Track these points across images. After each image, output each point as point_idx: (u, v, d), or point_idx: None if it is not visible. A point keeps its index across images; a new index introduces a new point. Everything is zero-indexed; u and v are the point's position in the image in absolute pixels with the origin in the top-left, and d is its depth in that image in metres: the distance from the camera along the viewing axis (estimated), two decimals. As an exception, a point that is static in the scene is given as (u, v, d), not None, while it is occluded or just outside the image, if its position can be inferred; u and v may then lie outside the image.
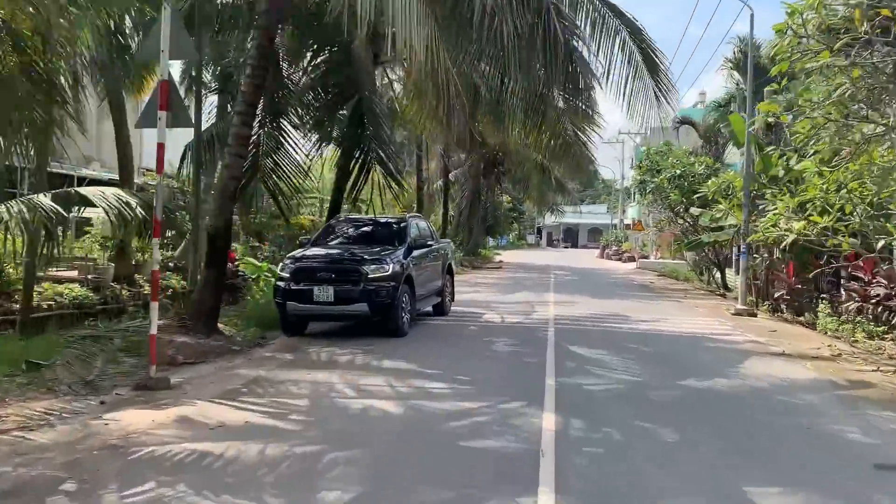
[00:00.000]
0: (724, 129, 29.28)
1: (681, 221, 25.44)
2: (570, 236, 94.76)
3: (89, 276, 12.35)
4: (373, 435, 5.98)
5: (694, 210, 20.49)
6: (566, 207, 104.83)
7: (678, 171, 22.42)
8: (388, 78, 20.23)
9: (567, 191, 42.46)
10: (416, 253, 12.18)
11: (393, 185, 15.57)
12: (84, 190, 8.37)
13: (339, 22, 9.62)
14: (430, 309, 13.48)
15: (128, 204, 7.82)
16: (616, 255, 50.74)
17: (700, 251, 24.04)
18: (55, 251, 7.90)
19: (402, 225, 12.72)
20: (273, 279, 12.67)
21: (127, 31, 12.49)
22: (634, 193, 69.98)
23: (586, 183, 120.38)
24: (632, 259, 46.73)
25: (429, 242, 13.44)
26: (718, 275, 22.76)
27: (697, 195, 21.82)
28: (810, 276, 14.41)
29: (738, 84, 28.11)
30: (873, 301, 11.93)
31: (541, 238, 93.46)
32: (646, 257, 43.63)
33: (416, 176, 27.14)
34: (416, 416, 6.72)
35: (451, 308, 14.51)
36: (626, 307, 16.83)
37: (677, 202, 22.97)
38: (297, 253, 11.99)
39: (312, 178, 17.83)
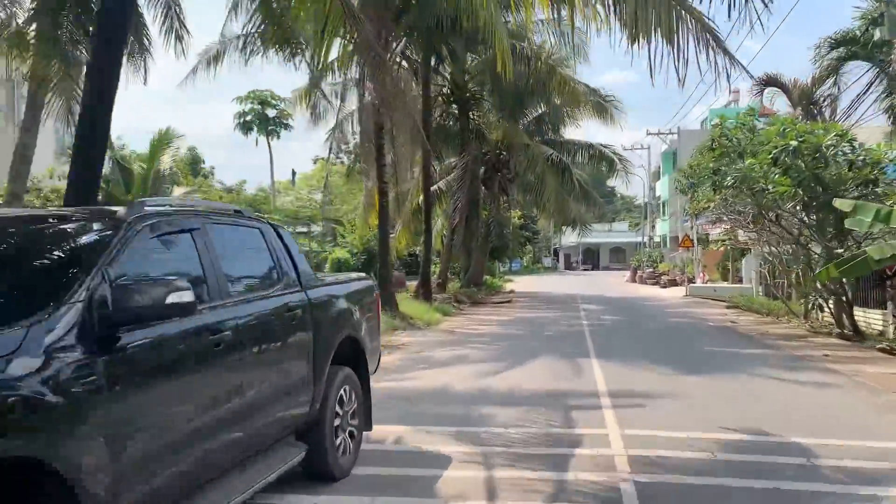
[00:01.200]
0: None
1: (776, 230, 16.69)
2: (591, 257, 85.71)
3: None
4: None
5: (839, 203, 11.60)
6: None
7: (791, 145, 13.62)
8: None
9: (592, 199, 33.58)
10: (138, 338, 3.18)
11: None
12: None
13: None
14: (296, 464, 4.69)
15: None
16: (652, 279, 41.80)
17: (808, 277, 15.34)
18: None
19: (82, 240, 3.65)
20: None
21: None
22: (663, 206, 61.21)
23: (604, 199, 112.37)
24: (673, 283, 37.79)
25: (249, 290, 4.49)
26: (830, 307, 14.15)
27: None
28: None
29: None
30: None
31: (557, 261, 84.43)
32: (692, 280, 34.70)
33: (377, 166, 18.24)
34: None
35: (361, 449, 5.52)
36: (770, 411, 7.63)
37: (785, 195, 14.21)
38: None
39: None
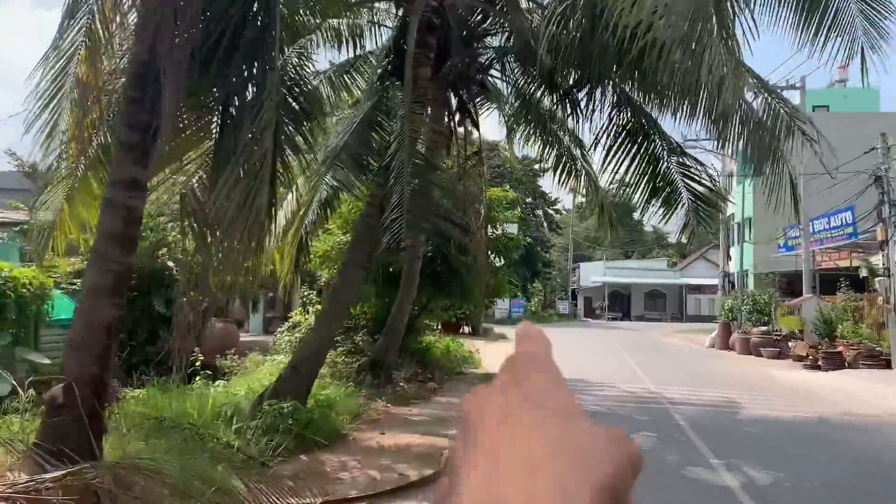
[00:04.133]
0: None
1: None
2: (619, 302, 65.44)
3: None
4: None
5: None
6: (612, 263, 76.57)
7: None
8: None
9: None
10: None
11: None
12: None
13: None
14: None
15: None
16: (770, 346, 21.83)
17: None
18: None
19: None
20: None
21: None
22: (742, 227, 41.15)
23: (630, 231, 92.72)
24: (833, 359, 17.83)
25: None
26: None
27: None
28: None
29: None
30: None
31: (576, 305, 64.26)
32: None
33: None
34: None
35: None
36: None
37: None
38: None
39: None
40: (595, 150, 10.17)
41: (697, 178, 9.77)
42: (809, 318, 21.91)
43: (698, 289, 66.23)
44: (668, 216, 9.96)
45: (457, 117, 12.24)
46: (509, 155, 14.82)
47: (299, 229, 10.37)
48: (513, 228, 23.08)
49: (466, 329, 30.02)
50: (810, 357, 19.50)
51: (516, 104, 13.21)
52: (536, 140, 13.40)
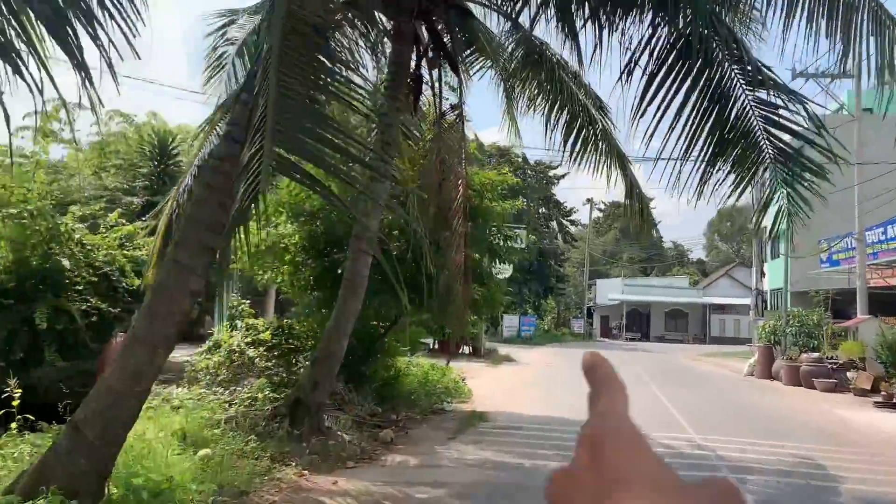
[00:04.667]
0: None
1: None
2: (638, 322, 61.41)
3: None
4: None
5: None
6: (630, 280, 72.32)
7: None
8: None
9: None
10: None
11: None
12: None
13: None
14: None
15: None
16: (825, 377, 18.02)
17: None
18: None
19: None
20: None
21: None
22: (777, 240, 37.00)
23: (649, 247, 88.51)
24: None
25: None
26: None
27: None
28: None
29: None
30: None
31: (591, 324, 60.28)
32: None
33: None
34: None
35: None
36: None
37: None
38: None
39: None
40: (627, 84, 6.46)
41: (789, 125, 6.12)
42: (869, 344, 18.12)
43: (722, 308, 62.17)
44: (741, 186, 6.31)
45: (429, 56, 8.69)
46: (509, 131, 11.02)
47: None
48: (519, 231, 19.49)
49: (467, 349, 26.39)
50: (882, 392, 15.69)
51: (517, 51, 9.73)
52: (544, 99, 9.87)
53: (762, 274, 34.06)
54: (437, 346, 26.37)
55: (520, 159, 43.65)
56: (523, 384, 16.66)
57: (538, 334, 42.88)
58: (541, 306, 47.02)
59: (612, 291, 63.32)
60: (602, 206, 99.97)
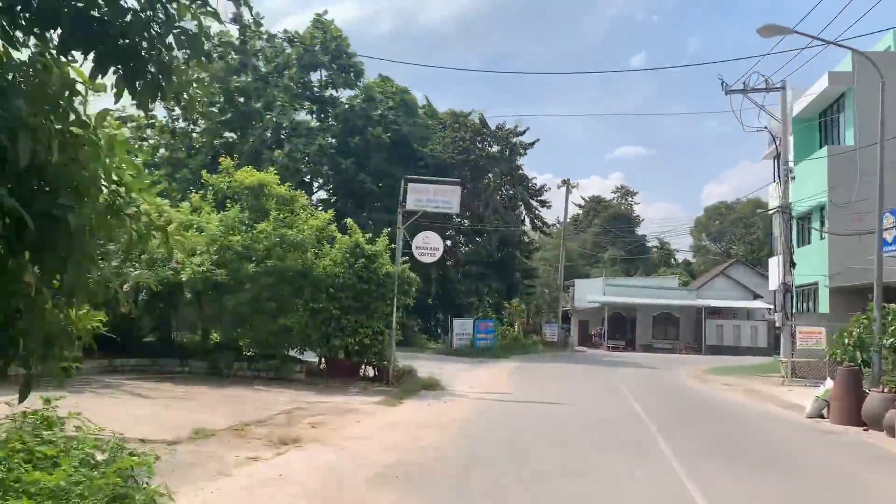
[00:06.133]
0: None
1: None
2: (621, 327, 52.67)
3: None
4: None
5: None
6: (613, 280, 63.34)
7: None
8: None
9: None
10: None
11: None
12: None
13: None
14: None
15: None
16: None
17: None
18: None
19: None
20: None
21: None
22: (812, 217, 27.38)
23: (631, 245, 79.99)
24: None
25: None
26: None
27: None
28: None
29: None
30: None
31: (568, 330, 51.37)
32: None
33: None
34: None
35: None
36: None
37: None
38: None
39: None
40: None
41: None
42: None
43: (718, 313, 53.60)
44: None
45: None
46: None
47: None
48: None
49: (371, 371, 17.37)
50: None
51: None
52: None
53: (792, 265, 25.33)
54: (322, 366, 17.31)
55: (476, 122, 34.90)
56: (402, 476, 7.68)
57: (500, 344, 33.91)
58: (503, 308, 38.14)
59: (591, 292, 54.60)
60: (581, 202, 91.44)
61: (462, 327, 31.91)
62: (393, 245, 16.96)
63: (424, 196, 16.97)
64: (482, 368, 24.42)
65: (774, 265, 33.21)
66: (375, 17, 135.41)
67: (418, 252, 17.68)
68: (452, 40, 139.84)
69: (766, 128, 27.32)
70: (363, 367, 17.28)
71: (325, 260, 16.25)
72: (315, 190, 36.16)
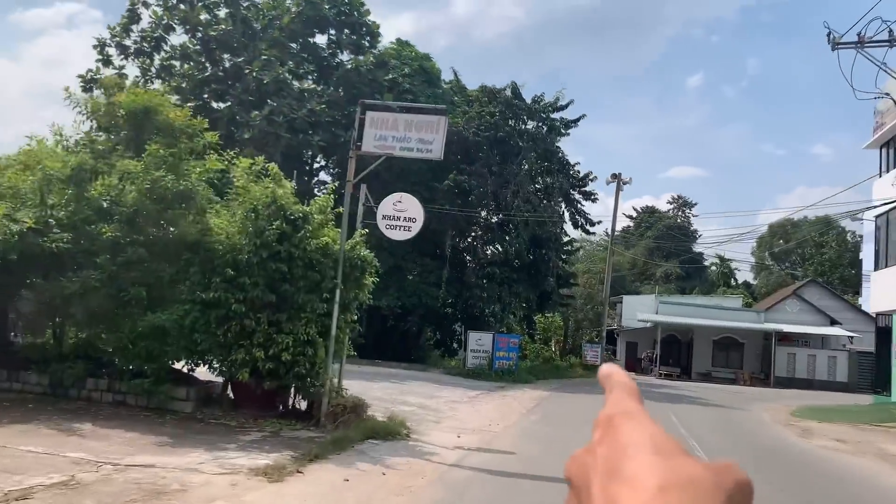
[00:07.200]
0: None
1: None
2: (675, 351, 45.64)
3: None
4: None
5: None
6: (667, 298, 55.49)
7: None
8: None
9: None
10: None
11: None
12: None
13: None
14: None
15: None
16: None
17: None
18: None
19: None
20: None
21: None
22: None
23: (686, 262, 72.26)
24: None
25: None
26: None
27: None
28: None
29: None
30: None
31: (613, 352, 44.41)
32: None
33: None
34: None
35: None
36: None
37: None
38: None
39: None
40: None
41: None
42: None
43: (786, 338, 46.04)
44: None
45: None
46: None
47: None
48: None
49: (301, 403, 11.26)
50: None
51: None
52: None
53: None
54: (229, 392, 11.27)
55: (509, 94, 28.55)
56: None
57: (527, 365, 27.39)
58: (533, 321, 31.70)
59: (642, 310, 47.48)
60: (634, 213, 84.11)
61: (478, 343, 25.53)
62: (339, 209, 10.89)
63: (391, 133, 10.78)
64: (494, 399, 18.08)
65: (878, 281, 26.21)
66: (430, 32, 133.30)
67: (385, 223, 11.54)
68: (507, 55, 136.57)
69: (887, 94, 20.51)
70: (289, 394, 11.20)
71: (220, 219, 10.26)
72: (315, 168, 30.52)
